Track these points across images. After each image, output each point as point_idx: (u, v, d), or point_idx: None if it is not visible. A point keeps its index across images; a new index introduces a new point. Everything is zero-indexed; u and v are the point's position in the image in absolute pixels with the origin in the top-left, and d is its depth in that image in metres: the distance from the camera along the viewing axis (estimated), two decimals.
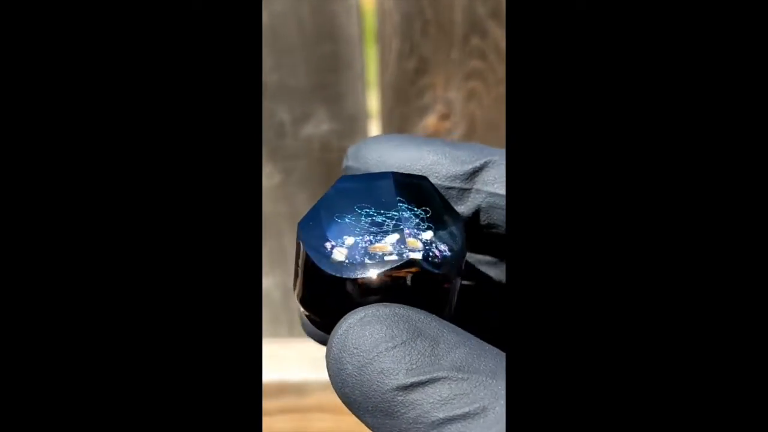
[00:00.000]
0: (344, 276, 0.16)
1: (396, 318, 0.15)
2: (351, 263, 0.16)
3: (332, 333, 0.15)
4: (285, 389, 0.54)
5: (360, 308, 0.15)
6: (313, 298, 0.18)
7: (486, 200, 0.17)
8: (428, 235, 0.17)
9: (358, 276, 0.16)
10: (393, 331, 0.14)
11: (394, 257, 0.16)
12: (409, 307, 0.15)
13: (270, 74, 0.51)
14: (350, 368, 0.14)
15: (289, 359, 0.54)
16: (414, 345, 0.14)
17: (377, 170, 0.18)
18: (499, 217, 0.17)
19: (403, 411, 0.14)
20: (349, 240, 0.17)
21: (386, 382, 0.14)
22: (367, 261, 0.16)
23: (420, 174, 0.18)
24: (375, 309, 0.15)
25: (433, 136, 0.53)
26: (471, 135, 0.53)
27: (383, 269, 0.16)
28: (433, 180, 0.17)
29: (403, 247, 0.16)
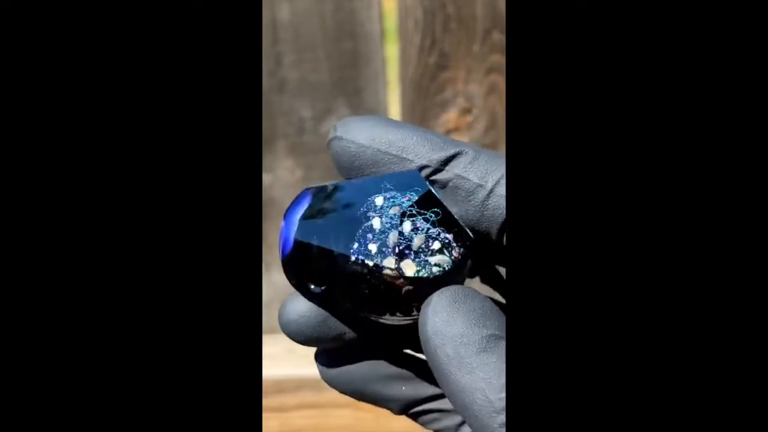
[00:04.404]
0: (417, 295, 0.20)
1: (485, 297, 0.19)
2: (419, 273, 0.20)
3: (438, 291, 0.19)
4: (303, 385, 0.54)
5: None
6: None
7: (453, 181, 0.21)
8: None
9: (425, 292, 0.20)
10: (485, 304, 0.19)
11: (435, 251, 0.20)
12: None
13: (291, 71, 0.51)
14: (444, 315, 0.18)
15: (308, 355, 0.54)
16: (500, 314, 0.19)
17: (367, 144, 0.21)
18: (460, 194, 0.21)
19: (487, 353, 0.18)
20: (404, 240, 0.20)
21: (482, 329, 0.18)
22: (430, 261, 0.20)
23: (402, 152, 0.21)
24: (473, 289, 0.20)
25: (455, 131, 0.53)
26: (492, 129, 0.53)
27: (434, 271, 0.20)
28: (413, 158, 0.21)
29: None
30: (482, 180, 0.20)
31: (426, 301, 0.19)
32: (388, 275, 0.19)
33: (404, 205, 0.20)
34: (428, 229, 0.20)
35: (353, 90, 0.52)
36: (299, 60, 0.51)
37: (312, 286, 0.20)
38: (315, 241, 0.20)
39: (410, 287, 0.20)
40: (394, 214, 0.20)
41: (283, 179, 0.54)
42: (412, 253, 0.20)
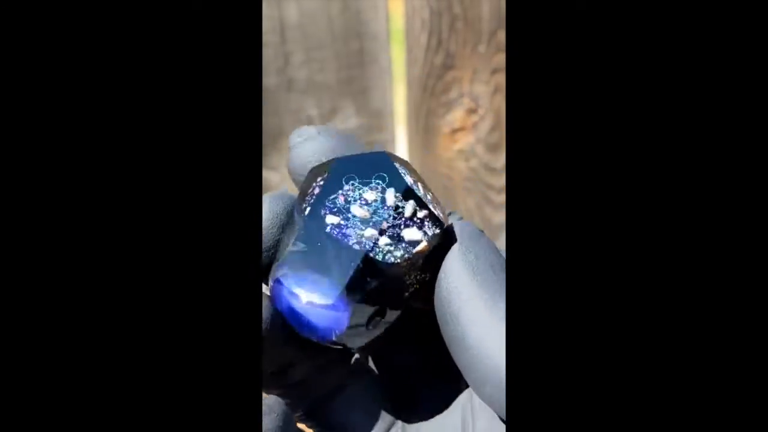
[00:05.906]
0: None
1: None
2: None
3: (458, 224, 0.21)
4: None
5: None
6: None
7: None
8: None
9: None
10: None
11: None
12: None
13: (299, 70, 0.52)
14: (473, 243, 0.21)
15: None
16: None
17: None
18: None
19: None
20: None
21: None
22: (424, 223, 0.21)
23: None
24: None
25: (460, 131, 0.53)
26: (497, 129, 0.53)
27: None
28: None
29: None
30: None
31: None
32: (419, 251, 0.20)
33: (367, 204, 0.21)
34: (402, 200, 0.21)
35: (360, 89, 0.52)
36: (307, 59, 0.51)
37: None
38: (368, 285, 0.20)
39: (430, 249, 0.20)
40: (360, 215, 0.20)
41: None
42: (412, 224, 0.20)
